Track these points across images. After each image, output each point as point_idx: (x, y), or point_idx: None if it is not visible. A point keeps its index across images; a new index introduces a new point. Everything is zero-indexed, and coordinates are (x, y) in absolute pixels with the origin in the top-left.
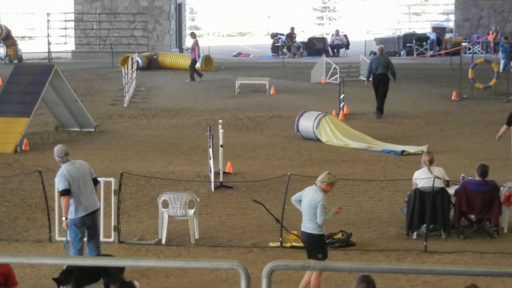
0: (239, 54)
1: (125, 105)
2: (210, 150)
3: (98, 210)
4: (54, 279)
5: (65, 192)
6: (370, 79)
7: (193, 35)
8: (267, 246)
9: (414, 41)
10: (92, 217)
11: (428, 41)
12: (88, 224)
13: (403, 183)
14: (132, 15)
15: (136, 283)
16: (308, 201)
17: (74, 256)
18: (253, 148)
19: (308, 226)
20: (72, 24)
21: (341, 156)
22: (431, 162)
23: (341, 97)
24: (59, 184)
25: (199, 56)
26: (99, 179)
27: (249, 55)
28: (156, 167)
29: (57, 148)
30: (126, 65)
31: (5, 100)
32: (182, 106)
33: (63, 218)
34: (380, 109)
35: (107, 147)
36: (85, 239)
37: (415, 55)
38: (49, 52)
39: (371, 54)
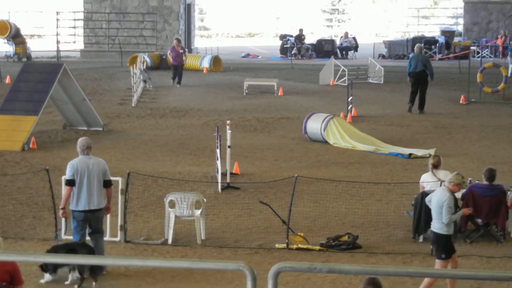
0: (247, 55)
1: (133, 104)
2: (218, 150)
3: (100, 210)
4: (40, 266)
5: (67, 182)
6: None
7: (179, 41)
8: (273, 248)
9: (423, 44)
10: (94, 215)
11: (437, 44)
12: (90, 221)
13: (411, 186)
14: (141, 15)
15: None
16: (436, 200)
17: (79, 255)
18: (260, 149)
19: (435, 225)
20: (81, 23)
21: (349, 159)
22: (435, 166)
23: (349, 99)
24: (66, 172)
25: None
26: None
27: (258, 56)
28: (163, 167)
29: (81, 140)
30: (134, 65)
31: (14, 98)
32: (190, 106)
33: (60, 207)
34: (421, 105)
35: (114, 147)
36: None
37: None
38: (58, 50)
39: (380, 56)
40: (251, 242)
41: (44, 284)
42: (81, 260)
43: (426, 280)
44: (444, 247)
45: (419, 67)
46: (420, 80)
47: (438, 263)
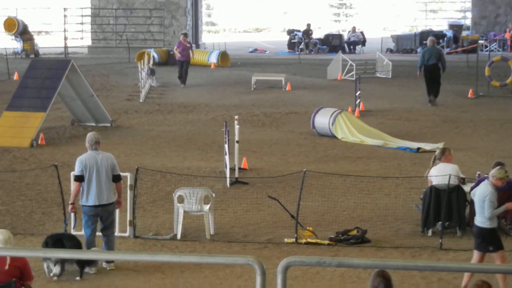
0: (255, 50)
1: (141, 100)
2: (226, 146)
3: (111, 204)
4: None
5: (76, 178)
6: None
7: (186, 35)
8: (282, 242)
9: None
10: (105, 210)
11: (445, 38)
12: (101, 216)
13: (419, 180)
14: (148, 10)
15: None
16: (478, 194)
17: (87, 250)
18: (268, 144)
19: (478, 219)
20: (88, 19)
21: (357, 153)
22: (437, 158)
23: (357, 94)
24: (75, 168)
25: None
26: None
27: (265, 51)
28: (171, 162)
29: (89, 135)
30: (142, 61)
31: (22, 95)
32: (198, 101)
33: (69, 202)
34: (435, 97)
35: (123, 142)
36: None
37: None
38: (66, 47)
39: (387, 51)
40: (260, 236)
41: (55, 280)
42: (90, 255)
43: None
44: (490, 239)
45: (432, 61)
46: (432, 73)
47: (496, 257)
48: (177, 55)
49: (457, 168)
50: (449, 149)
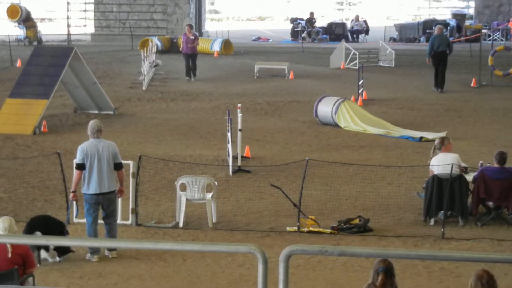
0: (258, 38)
1: (144, 88)
2: (229, 134)
3: (112, 192)
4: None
5: (78, 166)
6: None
7: (191, 26)
8: (284, 231)
9: (434, 28)
10: (106, 198)
11: (448, 27)
12: (102, 204)
13: (421, 170)
14: None
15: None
16: None
17: (90, 238)
18: (271, 132)
19: None
20: (92, 6)
21: (360, 142)
22: (437, 148)
23: (360, 82)
24: (77, 156)
25: None
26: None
27: (268, 39)
28: (174, 150)
29: (91, 123)
30: (145, 48)
31: (25, 82)
32: (201, 90)
33: (71, 190)
34: (441, 84)
35: (125, 130)
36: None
37: None
38: (69, 34)
39: (391, 40)
40: (262, 225)
41: (57, 266)
42: (92, 242)
43: None
44: None
45: (442, 47)
46: (442, 59)
47: None
48: (183, 48)
49: (458, 157)
50: (448, 138)
